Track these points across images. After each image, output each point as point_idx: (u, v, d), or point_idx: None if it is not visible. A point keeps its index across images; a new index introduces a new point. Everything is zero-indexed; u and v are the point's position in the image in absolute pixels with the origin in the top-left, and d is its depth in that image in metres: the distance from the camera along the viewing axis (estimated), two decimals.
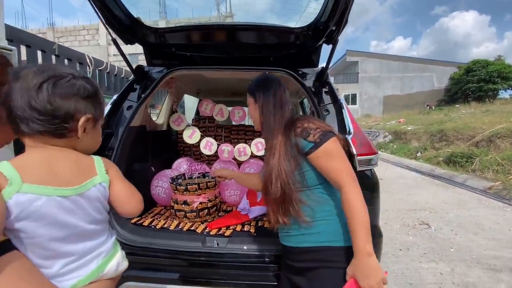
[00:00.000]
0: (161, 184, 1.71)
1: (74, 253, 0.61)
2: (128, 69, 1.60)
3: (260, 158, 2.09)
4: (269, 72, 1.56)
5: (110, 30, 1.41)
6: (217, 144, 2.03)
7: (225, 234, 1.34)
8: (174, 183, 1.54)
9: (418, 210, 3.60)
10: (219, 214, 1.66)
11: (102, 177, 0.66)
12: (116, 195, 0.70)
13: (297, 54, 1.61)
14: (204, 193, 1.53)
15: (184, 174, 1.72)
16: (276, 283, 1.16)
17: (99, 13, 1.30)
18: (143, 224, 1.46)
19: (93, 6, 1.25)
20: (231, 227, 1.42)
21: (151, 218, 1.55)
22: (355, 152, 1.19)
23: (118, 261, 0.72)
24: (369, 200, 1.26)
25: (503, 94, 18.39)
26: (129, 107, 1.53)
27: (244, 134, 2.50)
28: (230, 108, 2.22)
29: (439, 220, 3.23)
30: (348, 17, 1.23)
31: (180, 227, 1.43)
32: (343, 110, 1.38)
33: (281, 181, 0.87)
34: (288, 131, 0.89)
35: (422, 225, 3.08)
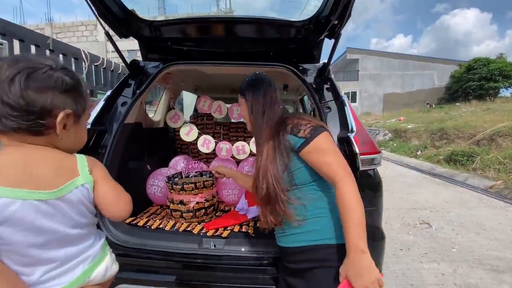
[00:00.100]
0: (157, 183, 1.66)
1: (56, 260, 0.57)
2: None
3: None
4: (270, 67, 1.51)
5: (103, 23, 1.35)
6: (215, 142, 1.98)
7: (223, 235, 1.29)
8: (170, 182, 1.49)
9: (419, 209, 3.56)
10: (217, 214, 1.62)
11: (85, 178, 0.61)
12: (101, 197, 0.65)
13: (298, 49, 1.55)
14: (201, 193, 1.48)
15: (180, 173, 1.67)
16: (275, 287, 1.11)
17: (91, 5, 1.24)
18: (138, 224, 1.42)
19: None
20: (228, 228, 1.38)
21: (146, 218, 1.51)
22: (357, 151, 1.15)
23: (106, 266, 0.68)
24: (372, 201, 1.22)
25: (504, 93, 18.35)
26: (124, 103, 1.48)
27: (243, 131, 2.45)
28: (228, 105, 2.17)
29: (440, 219, 3.20)
30: (352, 10, 1.18)
31: (176, 227, 1.38)
32: (345, 107, 1.33)
33: (266, 181, 0.86)
34: (279, 130, 0.88)
35: (423, 225, 3.05)
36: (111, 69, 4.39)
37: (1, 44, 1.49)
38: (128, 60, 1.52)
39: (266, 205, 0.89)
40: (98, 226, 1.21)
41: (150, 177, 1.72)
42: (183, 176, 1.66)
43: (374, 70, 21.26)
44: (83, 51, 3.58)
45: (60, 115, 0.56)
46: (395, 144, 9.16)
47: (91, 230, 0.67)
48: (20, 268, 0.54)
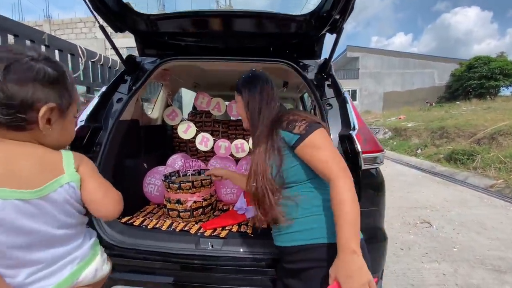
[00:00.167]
0: (153, 182, 1.63)
1: (41, 261, 0.55)
2: None
3: None
4: (269, 63, 1.47)
5: (98, 17, 1.31)
6: (214, 139, 1.95)
7: (221, 235, 1.26)
8: (167, 180, 1.45)
9: (419, 208, 3.54)
10: (215, 213, 1.58)
11: (71, 176, 0.57)
12: (88, 195, 0.61)
13: (298, 44, 1.51)
14: (199, 192, 1.45)
15: (178, 171, 1.64)
16: None
17: None
18: (134, 223, 1.38)
19: None
20: (226, 228, 1.34)
21: (142, 217, 1.47)
22: (360, 149, 1.11)
23: (96, 267, 0.65)
24: (374, 201, 1.19)
25: (504, 92, 18.32)
26: (119, 100, 1.43)
27: (242, 129, 2.40)
28: (227, 103, 2.13)
29: (441, 218, 3.18)
30: (354, 4, 1.14)
31: (173, 227, 1.35)
32: (347, 104, 1.30)
33: (256, 179, 0.86)
34: (274, 127, 0.87)
35: (423, 224, 3.03)
36: (109, 65, 4.33)
37: None
38: None
39: (257, 202, 0.89)
40: (92, 225, 1.18)
41: (146, 175, 1.68)
42: (181, 175, 1.63)
43: (374, 68, 21.19)
44: (80, 47, 3.51)
45: (43, 109, 0.52)
46: (395, 143, 9.14)
47: (80, 230, 0.64)
48: (3, 270, 0.52)
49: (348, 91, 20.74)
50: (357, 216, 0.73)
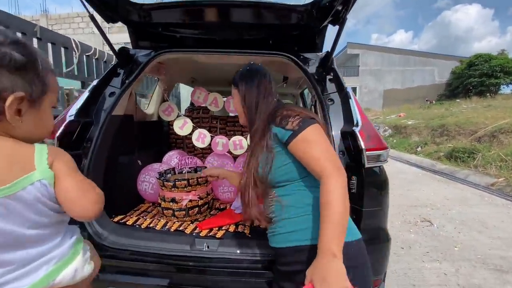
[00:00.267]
0: (148, 179, 1.57)
1: (12, 262, 0.51)
2: None
3: None
4: (269, 56, 1.41)
5: (88, 6, 1.24)
6: (211, 136, 1.89)
7: (217, 236, 1.21)
8: (162, 178, 1.40)
9: (419, 206, 3.50)
10: (211, 212, 1.53)
11: (43, 173, 0.52)
12: (62, 194, 0.56)
13: (299, 36, 1.45)
14: (195, 190, 1.39)
15: (173, 169, 1.58)
16: None
17: None
18: (127, 223, 1.33)
19: None
20: (223, 228, 1.29)
21: (136, 216, 1.42)
22: (363, 147, 1.06)
23: (76, 267, 0.61)
24: (377, 200, 1.13)
25: (505, 89, 18.25)
26: (112, 94, 1.37)
27: (241, 126, 2.34)
28: (225, 98, 2.06)
29: (441, 217, 3.14)
30: None
31: (167, 227, 1.30)
32: (349, 99, 1.24)
33: (248, 176, 0.85)
34: (269, 123, 0.85)
35: (424, 222, 2.99)
36: (104, 60, 4.23)
37: None
38: None
39: (246, 200, 0.88)
40: (82, 224, 1.12)
41: (141, 173, 1.62)
42: (176, 172, 1.57)
43: (374, 66, 21.06)
44: (74, 40, 3.42)
45: (9, 99, 0.46)
46: (395, 140, 9.10)
47: (57, 229, 0.59)
48: None
49: None
50: (344, 217, 0.69)
